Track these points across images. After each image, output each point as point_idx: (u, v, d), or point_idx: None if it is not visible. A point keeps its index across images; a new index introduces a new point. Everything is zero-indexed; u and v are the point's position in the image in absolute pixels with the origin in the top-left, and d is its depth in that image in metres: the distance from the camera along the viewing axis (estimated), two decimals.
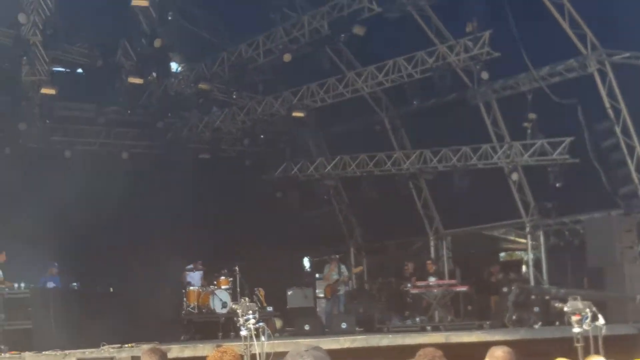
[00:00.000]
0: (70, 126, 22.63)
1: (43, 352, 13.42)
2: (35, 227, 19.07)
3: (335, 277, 21.67)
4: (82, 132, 22.98)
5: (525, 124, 20.87)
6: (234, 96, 23.10)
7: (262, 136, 24.10)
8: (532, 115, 20.67)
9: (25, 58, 18.44)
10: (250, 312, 11.39)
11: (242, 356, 8.23)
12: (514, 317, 18.33)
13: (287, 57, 19.73)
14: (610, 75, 19.52)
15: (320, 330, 19.23)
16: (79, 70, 21.72)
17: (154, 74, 21.35)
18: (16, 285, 16.20)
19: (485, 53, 19.06)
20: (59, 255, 19.08)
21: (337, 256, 22.79)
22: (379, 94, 23.41)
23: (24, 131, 20.27)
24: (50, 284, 18.43)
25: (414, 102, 21.24)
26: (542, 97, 20.08)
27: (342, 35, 19.21)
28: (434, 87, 20.32)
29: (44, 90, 18.83)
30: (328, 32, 19.31)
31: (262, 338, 11.29)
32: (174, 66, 23.36)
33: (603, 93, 19.58)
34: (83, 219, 20.18)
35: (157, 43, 18.70)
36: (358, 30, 18.68)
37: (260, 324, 11.45)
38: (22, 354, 13.30)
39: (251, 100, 23.20)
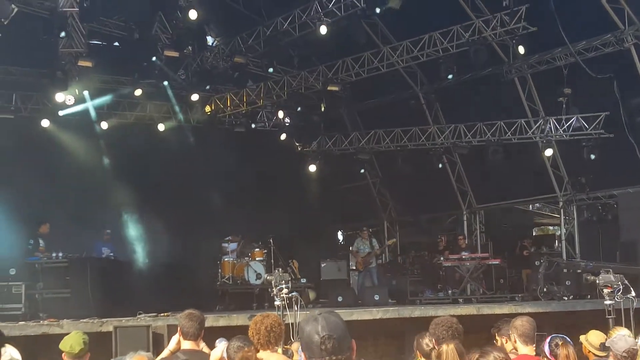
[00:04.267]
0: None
1: (81, 320, 13.67)
2: (73, 198, 19.43)
3: (368, 250, 21.81)
4: (119, 105, 23.18)
5: (561, 99, 20.82)
6: (270, 70, 23.12)
7: (298, 109, 24.15)
8: (567, 90, 20.61)
9: (62, 31, 18.56)
10: (283, 282, 11.53)
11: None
12: (544, 290, 18.38)
13: (322, 31, 19.75)
14: None
15: (354, 301, 19.35)
16: (116, 43, 21.84)
17: (190, 48, 21.42)
18: (54, 254, 16.49)
19: (522, 27, 18.90)
20: (95, 226, 19.40)
21: (366, 229, 22.81)
22: (414, 68, 23.38)
23: (61, 103, 20.47)
24: (105, 250, 18.81)
25: (449, 77, 21.13)
26: (578, 71, 20.02)
27: (378, 8, 19.11)
28: (469, 62, 20.26)
29: (81, 63, 18.96)
30: (364, 5, 19.25)
31: (295, 308, 11.43)
32: (210, 40, 23.44)
33: (639, 68, 19.47)
34: (119, 191, 20.45)
35: (193, 16, 18.75)
36: (394, 3, 18.62)
37: (294, 293, 11.59)
38: (61, 321, 13.53)
39: (286, 75, 23.27)
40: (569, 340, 6.80)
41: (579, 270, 18.74)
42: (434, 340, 6.91)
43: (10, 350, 4.70)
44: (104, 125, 22.16)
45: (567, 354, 6.56)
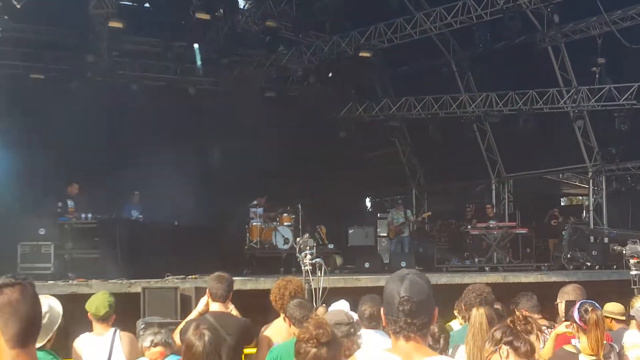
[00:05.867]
0: (137, 61, 22.86)
1: (109, 281, 13.79)
2: (103, 160, 19.54)
3: (402, 220, 21.82)
4: (149, 67, 23.20)
5: (594, 69, 20.59)
6: (301, 35, 23.02)
7: (329, 75, 24.07)
8: (601, 60, 20.37)
9: None
10: (308, 247, 11.52)
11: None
12: (568, 256, 18.33)
13: None
14: None
15: (380, 268, 19.37)
16: (146, 5, 21.80)
17: (221, 10, 21.34)
18: (83, 215, 16.63)
19: None
20: (125, 187, 19.51)
21: (401, 202, 22.94)
22: (446, 35, 23.19)
23: (91, 64, 20.49)
24: (135, 212, 18.93)
25: (482, 45, 20.95)
26: (612, 41, 19.76)
27: None
28: (503, 30, 20.07)
29: (111, 23, 18.92)
30: None
31: (319, 273, 11.43)
32: (241, 3, 23.35)
33: None
34: (148, 153, 20.48)
35: None
36: None
37: (318, 259, 11.59)
38: (89, 281, 13.65)
39: (318, 40, 23.17)
40: (597, 305, 6.82)
41: (605, 240, 18.65)
42: (462, 304, 7.20)
43: (51, 301, 4.58)
44: (134, 87, 22.22)
45: (597, 319, 6.59)
